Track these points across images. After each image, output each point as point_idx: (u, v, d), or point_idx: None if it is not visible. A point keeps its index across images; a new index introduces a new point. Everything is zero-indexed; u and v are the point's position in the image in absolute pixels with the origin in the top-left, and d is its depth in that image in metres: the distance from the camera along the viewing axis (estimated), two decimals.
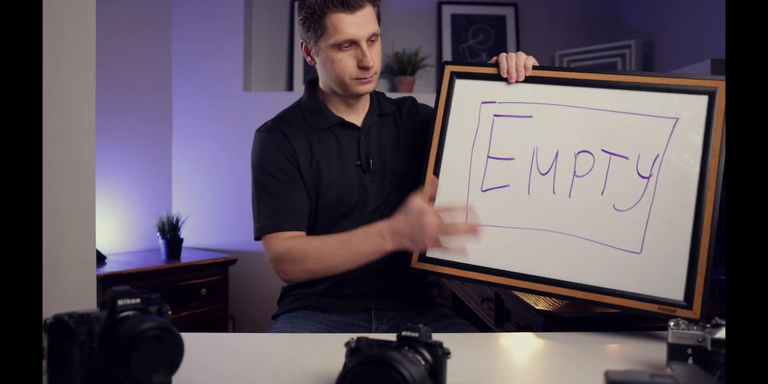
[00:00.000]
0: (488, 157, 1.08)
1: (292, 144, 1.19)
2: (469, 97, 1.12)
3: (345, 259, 1.08)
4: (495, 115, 1.09)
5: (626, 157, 0.99)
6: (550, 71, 1.07)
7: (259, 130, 1.24)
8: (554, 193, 1.02)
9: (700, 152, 0.95)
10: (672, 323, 0.76)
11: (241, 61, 2.81)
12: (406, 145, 1.25)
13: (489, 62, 1.13)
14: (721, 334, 0.71)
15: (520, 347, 0.94)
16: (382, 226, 1.05)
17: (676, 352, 0.74)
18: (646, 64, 2.84)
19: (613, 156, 1.00)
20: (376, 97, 1.30)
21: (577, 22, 3.12)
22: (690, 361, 0.73)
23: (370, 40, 1.13)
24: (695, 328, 0.74)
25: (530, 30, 3.11)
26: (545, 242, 1.01)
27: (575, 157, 1.02)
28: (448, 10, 3.06)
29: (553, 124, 1.05)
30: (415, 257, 1.08)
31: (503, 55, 1.12)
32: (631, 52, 2.79)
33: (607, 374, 0.45)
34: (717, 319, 0.75)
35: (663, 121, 0.98)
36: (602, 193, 0.99)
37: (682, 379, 0.45)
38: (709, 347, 0.71)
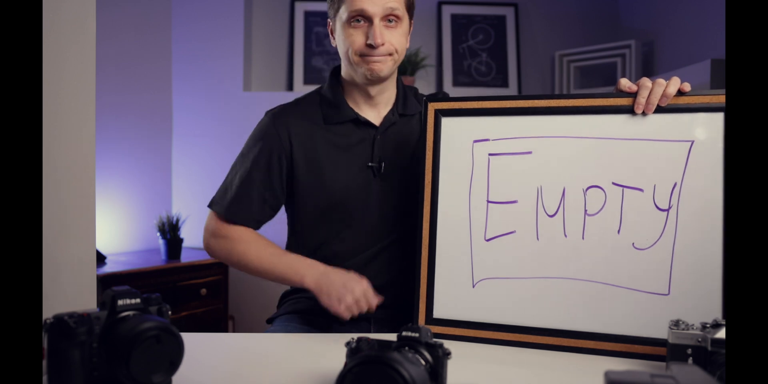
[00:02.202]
0: (488, 201, 0.98)
1: (291, 138, 1.15)
2: (459, 136, 1.01)
3: (265, 269, 1.12)
4: (490, 154, 0.99)
5: (641, 189, 0.91)
6: (546, 100, 0.96)
7: (269, 112, 1.20)
8: (566, 236, 0.94)
9: (722, 176, 0.86)
10: (671, 323, 0.76)
11: (241, 61, 2.81)
12: None
13: (619, 90, 0.95)
14: (721, 334, 0.71)
15: (521, 348, 0.94)
16: (316, 268, 1.08)
17: (676, 352, 0.74)
18: (646, 65, 2.84)
19: (626, 189, 0.91)
20: (403, 93, 1.22)
21: (577, 22, 3.12)
22: (690, 361, 0.73)
23: (388, 19, 1.09)
24: (695, 328, 0.74)
25: (530, 30, 3.11)
26: (561, 291, 0.93)
27: (584, 193, 0.93)
28: (448, 10, 3.06)
29: (556, 159, 0.95)
30: (422, 319, 1.00)
31: (646, 83, 0.92)
32: (631, 52, 2.79)
33: (607, 374, 0.45)
34: (717, 319, 0.75)
35: (677, 145, 0.89)
36: (618, 231, 0.91)
37: (682, 379, 0.45)
38: (709, 347, 0.71)
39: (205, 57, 2.85)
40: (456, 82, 3.03)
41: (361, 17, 1.08)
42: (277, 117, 1.17)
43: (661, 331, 0.84)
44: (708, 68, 1.87)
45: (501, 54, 3.06)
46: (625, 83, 0.95)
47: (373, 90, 1.16)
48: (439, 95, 1.19)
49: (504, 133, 0.99)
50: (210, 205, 1.19)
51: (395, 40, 1.10)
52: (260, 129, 1.18)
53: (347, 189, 1.14)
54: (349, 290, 1.02)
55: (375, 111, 1.18)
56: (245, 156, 1.17)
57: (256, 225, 1.18)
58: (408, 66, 2.86)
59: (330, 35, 1.17)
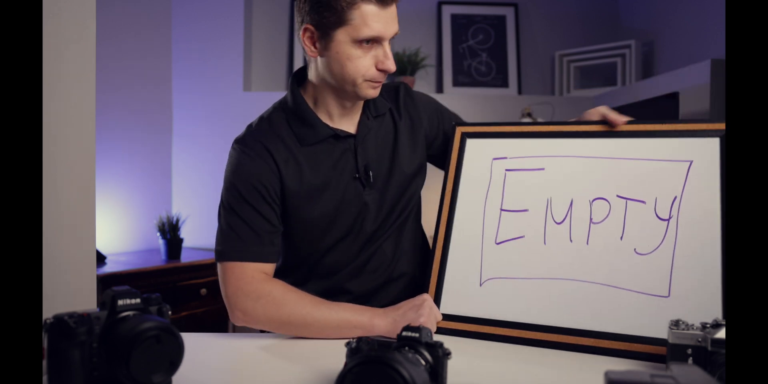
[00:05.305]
0: (501, 210, 1.05)
1: (276, 161, 1.05)
2: (480, 154, 1.11)
3: (324, 320, 0.97)
4: (507, 170, 1.07)
5: (643, 202, 0.96)
6: (559, 125, 1.07)
7: (237, 142, 1.08)
8: (571, 240, 0.99)
9: (719, 191, 0.92)
10: (672, 323, 0.76)
11: (241, 61, 2.82)
12: (408, 146, 1.15)
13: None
14: (721, 334, 0.71)
15: (521, 347, 0.94)
16: (377, 309, 0.99)
17: (676, 352, 0.74)
18: (646, 65, 2.84)
19: (629, 201, 0.97)
20: None
21: (577, 22, 3.12)
22: (690, 361, 0.73)
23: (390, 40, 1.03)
24: (695, 328, 0.74)
25: (530, 30, 3.11)
26: (565, 291, 0.96)
27: (590, 204, 0.99)
28: (448, 10, 3.06)
29: (566, 175, 1.03)
30: None
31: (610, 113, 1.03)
32: (631, 52, 2.79)
33: (607, 374, 0.45)
34: (717, 319, 0.75)
35: (677, 165, 0.96)
36: (621, 237, 0.96)
37: (682, 379, 0.45)
38: (709, 347, 0.71)
39: (205, 57, 2.85)
40: (456, 82, 3.03)
41: (373, 39, 0.99)
42: (250, 144, 1.06)
43: (660, 332, 0.86)
44: (708, 68, 1.87)
45: (501, 54, 3.06)
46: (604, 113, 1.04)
47: (350, 103, 1.09)
48: (400, 90, 1.19)
49: (521, 153, 1.08)
50: (227, 258, 1.02)
51: None
52: (238, 161, 1.06)
53: (339, 206, 1.08)
54: (419, 308, 0.97)
55: (349, 118, 1.12)
56: (236, 194, 1.04)
57: (277, 261, 1.08)
58: (408, 66, 2.87)
59: (308, 44, 1.02)
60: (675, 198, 0.95)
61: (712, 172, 0.94)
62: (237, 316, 1.00)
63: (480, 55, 3.05)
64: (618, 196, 0.98)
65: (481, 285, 1.02)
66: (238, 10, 2.82)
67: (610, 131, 1.03)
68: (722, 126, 0.95)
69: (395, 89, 1.21)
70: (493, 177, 1.08)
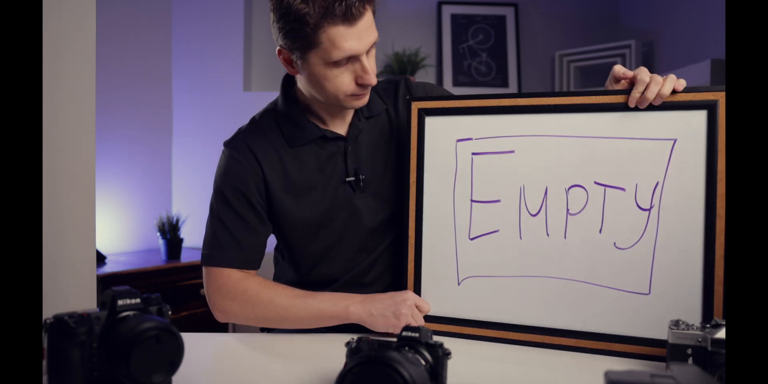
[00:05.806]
0: (472, 201, 0.99)
1: (261, 165, 1.05)
2: (443, 135, 1.02)
3: (299, 313, 1.00)
4: (473, 154, 0.99)
5: (623, 189, 0.90)
6: (528, 98, 0.96)
7: (225, 145, 1.09)
8: (548, 235, 0.94)
9: (704, 176, 0.85)
10: (672, 323, 0.76)
11: (241, 61, 2.82)
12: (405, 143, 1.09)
13: (615, 77, 0.94)
14: (721, 334, 0.71)
15: (521, 347, 0.94)
16: (356, 296, 1.01)
17: (676, 352, 0.74)
18: (646, 65, 2.84)
19: (608, 188, 0.91)
20: None
21: (577, 22, 3.12)
22: (690, 361, 0.73)
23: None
24: (695, 328, 0.74)
25: (530, 30, 3.12)
26: (544, 290, 0.93)
27: (566, 193, 0.93)
28: (448, 10, 3.06)
29: (538, 158, 0.95)
30: None
31: (643, 78, 0.88)
32: (631, 52, 2.79)
33: (607, 374, 0.45)
34: (717, 319, 0.75)
35: (659, 144, 0.88)
36: (600, 230, 0.91)
37: (682, 379, 0.45)
38: (709, 347, 0.71)
39: (205, 57, 2.85)
40: (456, 82, 3.03)
41: (348, 58, 0.94)
42: (238, 147, 1.06)
43: (641, 330, 0.87)
44: (708, 68, 1.87)
45: (501, 54, 3.06)
46: (619, 70, 0.93)
47: (339, 110, 1.07)
48: (400, 86, 1.15)
49: (487, 132, 0.99)
50: (209, 263, 1.05)
51: (374, 68, 0.98)
52: (226, 165, 1.07)
53: (328, 210, 1.07)
54: (400, 307, 0.97)
55: (340, 121, 1.09)
56: (222, 199, 1.07)
57: (259, 266, 1.09)
58: (408, 66, 2.87)
59: (285, 65, 1.01)
60: (657, 184, 0.88)
61: (697, 153, 0.86)
62: (218, 316, 1.05)
63: (480, 55, 3.05)
64: (596, 182, 0.91)
65: (459, 284, 1.00)
66: (238, 10, 2.82)
67: (583, 104, 0.92)
68: (709, 95, 0.85)
69: (395, 85, 1.16)
70: (459, 162, 1.00)
